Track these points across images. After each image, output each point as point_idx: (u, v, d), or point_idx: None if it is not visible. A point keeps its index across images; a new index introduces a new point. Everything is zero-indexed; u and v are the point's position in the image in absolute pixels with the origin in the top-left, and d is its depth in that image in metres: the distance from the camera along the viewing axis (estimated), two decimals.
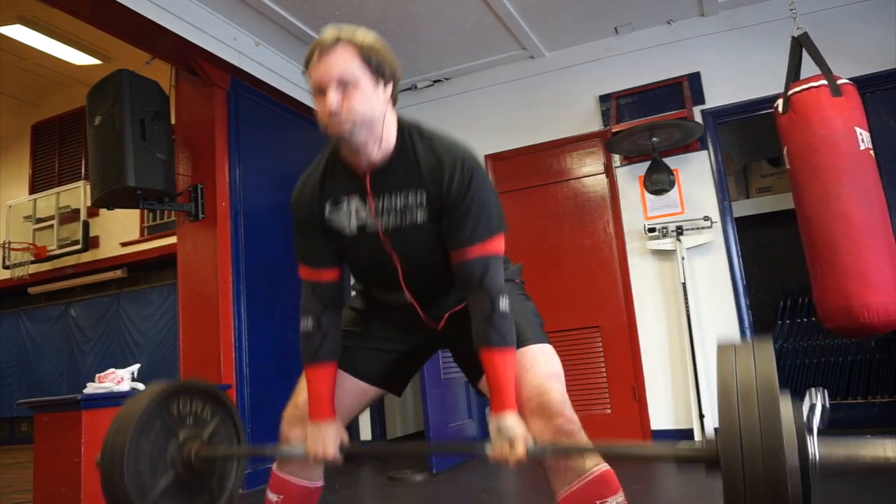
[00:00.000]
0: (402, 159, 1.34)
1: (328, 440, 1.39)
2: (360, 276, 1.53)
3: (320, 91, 1.28)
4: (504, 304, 1.30)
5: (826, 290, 2.78)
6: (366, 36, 1.30)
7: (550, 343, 1.43)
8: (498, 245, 1.34)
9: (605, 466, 1.30)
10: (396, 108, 1.38)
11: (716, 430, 3.40)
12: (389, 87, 1.32)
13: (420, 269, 1.39)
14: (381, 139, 1.31)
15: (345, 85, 1.26)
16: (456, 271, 1.34)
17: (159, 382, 1.55)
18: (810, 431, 1.06)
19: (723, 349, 1.09)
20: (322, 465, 1.48)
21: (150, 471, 1.44)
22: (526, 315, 1.44)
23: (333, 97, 1.25)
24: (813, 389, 1.13)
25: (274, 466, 1.54)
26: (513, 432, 1.25)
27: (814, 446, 1.04)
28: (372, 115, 1.28)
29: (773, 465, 0.95)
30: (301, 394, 1.50)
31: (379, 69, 1.29)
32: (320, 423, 1.41)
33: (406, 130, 1.36)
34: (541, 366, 1.34)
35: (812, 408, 1.10)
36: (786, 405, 1.03)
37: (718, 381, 1.05)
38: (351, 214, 1.37)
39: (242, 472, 1.67)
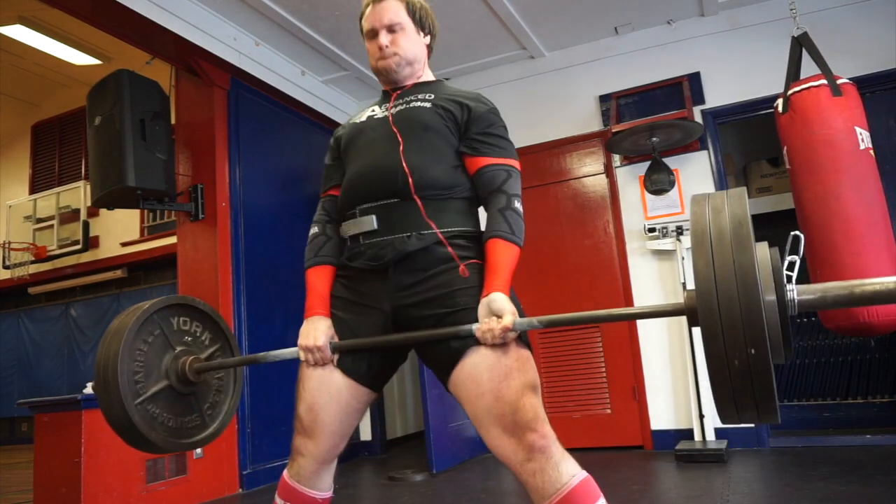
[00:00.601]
0: (428, 85, 1.58)
1: (319, 332, 1.44)
2: (348, 183, 1.52)
3: (373, 34, 1.53)
4: (519, 205, 1.41)
5: None
6: None
7: (530, 348, 1.39)
8: (518, 164, 1.48)
9: (582, 475, 1.28)
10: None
11: (717, 430, 3.41)
12: (429, 38, 1.59)
13: (419, 143, 1.46)
14: (418, 78, 1.58)
15: (393, 29, 1.51)
16: (478, 179, 1.46)
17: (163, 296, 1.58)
18: (789, 279, 1.06)
19: (696, 198, 1.09)
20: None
21: (145, 373, 1.46)
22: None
23: (384, 37, 1.51)
24: (793, 234, 1.13)
25: (285, 473, 1.53)
26: (500, 306, 1.30)
27: (792, 289, 1.05)
28: (414, 55, 1.54)
29: (749, 304, 0.94)
30: (301, 405, 1.47)
31: (422, 22, 1.56)
32: (313, 318, 1.48)
33: (439, 80, 1.63)
34: (516, 377, 1.30)
35: (792, 247, 1.10)
36: (762, 249, 1.04)
37: (691, 227, 1.04)
38: (366, 113, 1.59)
39: (238, 392, 1.68)
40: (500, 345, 1.31)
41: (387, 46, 1.51)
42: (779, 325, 1.01)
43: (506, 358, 1.31)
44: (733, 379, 0.96)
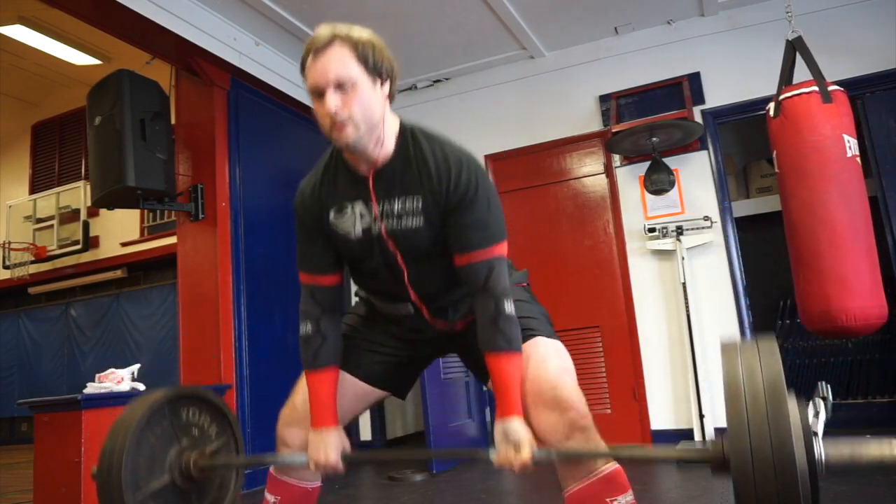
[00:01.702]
0: (403, 161, 1.31)
1: (330, 447, 1.38)
2: (363, 283, 1.51)
3: (318, 94, 1.25)
4: (509, 306, 1.29)
5: (807, 294, 2.85)
6: (361, 33, 1.28)
7: (561, 342, 1.43)
8: (502, 249, 1.33)
9: (615, 465, 1.30)
10: (394, 107, 1.36)
11: (716, 430, 3.43)
12: (387, 86, 1.30)
13: (423, 269, 1.38)
14: (381, 140, 1.30)
15: (342, 87, 1.23)
16: (460, 274, 1.33)
17: (177, 385, 1.55)
18: (815, 432, 1.06)
19: (727, 348, 1.09)
20: (323, 472, 1.47)
21: (148, 468, 1.43)
22: (536, 314, 1.45)
23: (332, 101, 1.22)
24: (820, 385, 1.13)
25: (271, 468, 1.53)
26: (518, 437, 1.24)
27: (819, 446, 1.04)
28: (372, 117, 1.25)
29: (785, 467, 0.94)
30: (298, 395, 1.49)
31: (376, 67, 1.26)
32: (322, 430, 1.39)
33: (407, 131, 1.34)
34: (553, 359, 1.34)
35: (817, 406, 1.10)
36: (792, 404, 1.02)
37: (725, 381, 1.04)
38: (356, 219, 1.35)
39: (239, 490, 1.65)
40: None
41: (337, 112, 1.22)
42: (809, 486, 1.00)
43: (543, 347, 1.36)
44: None
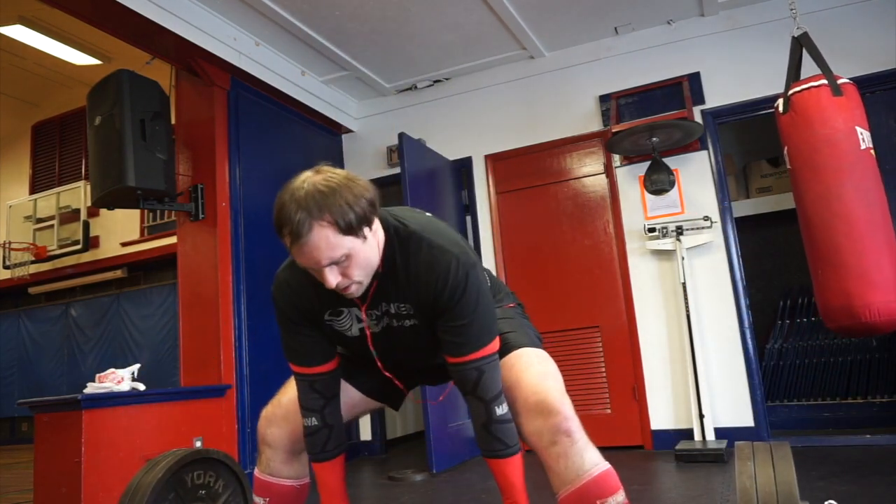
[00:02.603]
0: (391, 272, 1.29)
1: None
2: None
3: (314, 269, 1.21)
4: (500, 410, 1.29)
5: (827, 290, 2.77)
6: (333, 196, 1.16)
7: (545, 351, 1.44)
8: (492, 348, 1.30)
9: (605, 465, 1.30)
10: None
11: (716, 430, 3.39)
12: (374, 224, 1.23)
13: (401, 361, 1.44)
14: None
15: (337, 263, 1.19)
16: (450, 371, 1.33)
17: (177, 451, 1.54)
18: None
19: (741, 451, 1.09)
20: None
21: None
22: (522, 328, 1.45)
23: (331, 278, 1.19)
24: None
25: (255, 472, 1.52)
26: None
27: None
28: (371, 264, 1.24)
29: None
30: (285, 394, 1.49)
31: (360, 226, 1.19)
32: None
33: (393, 237, 1.29)
34: (536, 365, 1.35)
35: None
36: None
37: (738, 489, 1.03)
38: (352, 322, 1.36)
39: None
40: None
41: (340, 285, 1.21)
42: None
43: (525, 356, 1.36)
44: None
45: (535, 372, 1.33)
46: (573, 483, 1.27)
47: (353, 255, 1.19)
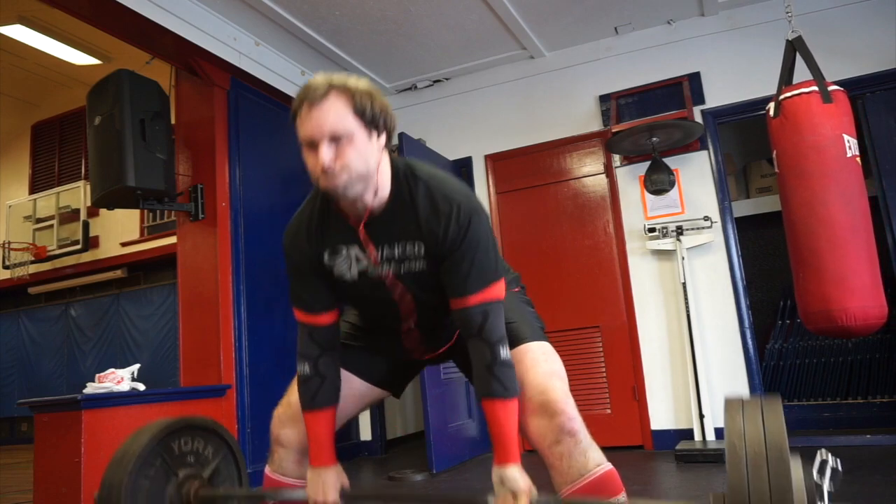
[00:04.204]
0: (398, 208, 1.29)
1: (329, 486, 1.37)
2: (361, 315, 1.55)
3: (311, 145, 1.22)
4: (504, 352, 1.28)
5: (807, 294, 2.85)
6: (359, 83, 1.22)
7: (550, 343, 1.44)
8: (497, 291, 1.30)
9: (608, 466, 1.30)
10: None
11: (717, 430, 3.41)
12: (384, 137, 1.26)
13: (423, 308, 1.40)
14: (375, 190, 1.27)
15: (338, 139, 1.19)
16: (455, 318, 1.32)
17: (162, 420, 1.53)
18: (821, 497, 1.04)
19: (730, 405, 1.08)
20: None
21: None
22: (525, 317, 1.44)
23: (326, 153, 1.19)
24: (823, 450, 1.11)
25: (266, 469, 1.53)
26: (516, 485, 1.23)
27: None
28: (367, 170, 1.22)
29: None
30: (293, 393, 1.49)
31: (373, 120, 1.22)
32: (320, 469, 1.39)
33: (401, 176, 1.30)
34: (541, 364, 1.34)
35: (823, 470, 1.08)
36: (796, 469, 1.01)
37: (727, 442, 1.03)
38: (351, 262, 1.34)
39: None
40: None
41: (330, 165, 1.19)
42: None
43: (531, 352, 1.36)
44: None
45: (540, 371, 1.33)
46: (576, 483, 1.27)
47: (354, 140, 1.19)
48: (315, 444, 1.40)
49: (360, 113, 1.20)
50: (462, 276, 1.27)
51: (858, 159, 2.87)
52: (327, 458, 1.40)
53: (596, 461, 1.29)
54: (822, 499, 1.03)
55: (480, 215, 1.29)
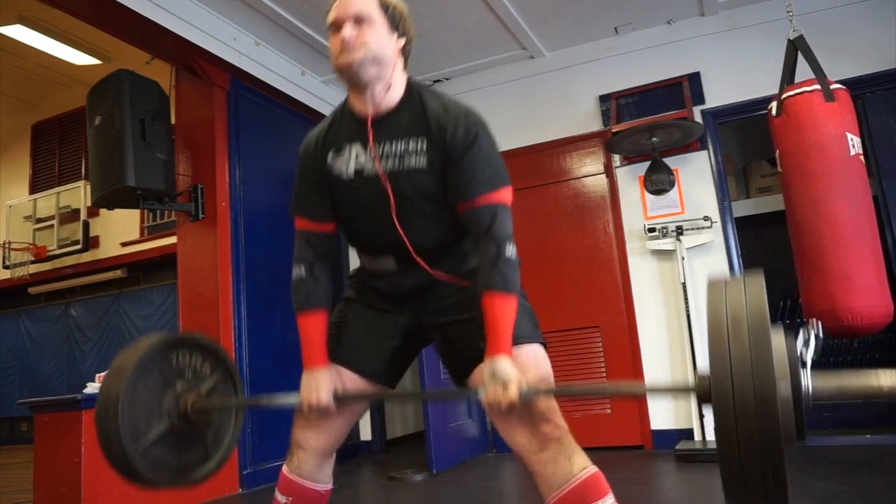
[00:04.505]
0: (408, 108, 1.38)
1: (321, 387, 1.40)
2: (352, 230, 1.50)
3: (336, 27, 1.34)
4: (511, 250, 1.32)
5: (812, 293, 2.84)
6: None
7: (545, 343, 1.43)
8: (506, 195, 1.36)
9: (593, 469, 1.30)
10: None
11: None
12: (402, 41, 1.39)
13: (415, 213, 1.39)
14: (388, 86, 1.36)
15: (360, 21, 1.32)
16: (464, 221, 1.36)
17: (161, 332, 1.56)
18: (804, 364, 1.06)
19: (713, 284, 1.09)
20: (315, 413, 1.45)
21: (146, 417, 1.44)
22: (523, 312, 1.44)
23: (348, 30, 1.32)
24: (811, 321, 1.14)
25: (284, 468, 1.53)
26: (506, 375, 1.26)
27: (807, 377, 1.04)
28: (383, 54, 1.33)
29: (763, 396, 0.94)
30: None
31: (394, 20, 1.36)
32: (313, 371, 1.42)
33: (414, 86, 1.41)
34: (531, 370, 1.33)
35: (806, 341, 1.10)
36: (778, 337, 1.02)
37: (708, 313, 1.05)
38: (350, 159, 1.40)
39: (239, 427, 1.65)
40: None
41: (350, 39, 1.31)
42: (792, 416, 1.00)
43: (523, 357, 1.34)
44: (741, 450, 0.96)
45: (530, 377, 1.32)
46: (563, 488, 1.27)
47: (375, 25, 1.33)
48: (308, 346, 1.44)
49: (383, 7, 1.35)
50: (470, 178, 1.33)
51: (862, 157, 2.85)
52: (320, 360, 1.43)
53: (581, 465, 1.29)
54: (804, 367, 1.05)
55: (488, 129, 1.38)
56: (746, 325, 0.99)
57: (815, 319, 1.13)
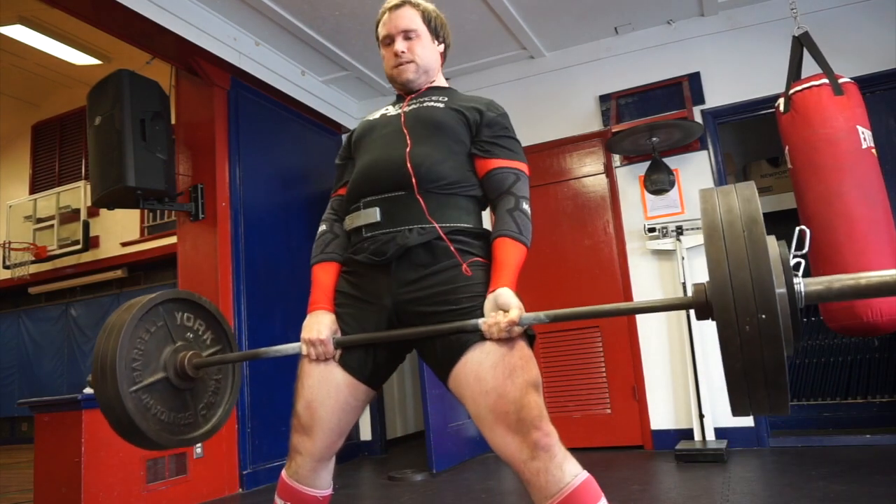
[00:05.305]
0: (442, 90, 1.61)
1: (322, 325, 1.43)
2: (357, 178, 1.51)
3: (389, 40, 1.56)
4: (527, 207, 1.44)
5: None
6: (427, 4, 1.61)
7: (534, 336, 1.41)
8: (526, 167, 1.51)
9: (584, 475, 1.28)
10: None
11: (716, 430, 3.40)
12: (442, 47, 1.64)
13: (425, 141, 1.47)
14: (431, 83, 1.61)
15: (409, 36, 1.55)
16: (487, 181, 1.48)
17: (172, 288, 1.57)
18: (796, 267, 1.07)
19: (705, 192, 1.10)
20: (314, 352, 1.44)
21: (143, 363, 1.44)
22: None
23: (400, 44, 1.54)
24: (798, 229, 1.15)
25: (283, 472, 1.53)
26: (507, 301, 1.30)
27: (799, 280, 1.06)
28: (430, 64, 1.58)
29: (766, 302, 0.95)
30: (299, 400, 1.48)
31: (436, 30, 1.60)
32: (317, 312, 1.47)
33: (451, 87, 1.64)
34: (519, 373, 1.30)
35: (799, 243, 1.12)
36: (771, 242, 1.03)
37: (703, 220, 1.04)
38: (379, 112, 1.62)
39: (232, 403, 1.65)
40: (506, 340, 1.30)
41: (403, 53, 1.53)
42: (788, 315, 1.01)
43: (510, 356, 1.30)
44: (744, 347, 0.96)
45: (518, 382, 1.29)
46: (555, 497, 1.26)
47: (422, 39, 1.57)
48: (317, 289, 1.51)
49: (427, 21, 1.58)
50: (497, 143, 1.49)
51: (874, 151, 2.81)
52: (326, 303, 1.49)
53: (572, 472, 1.27)
54: (796, 270, 1.07)
55: (511, 123, 1.56)
56: (742, 230, 1.00)
57: (803, 227, 1.12)
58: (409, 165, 1.42)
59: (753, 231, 0.99)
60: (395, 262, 1.42)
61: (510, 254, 1.38)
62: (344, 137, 1.64)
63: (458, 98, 1.57)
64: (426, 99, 1.57)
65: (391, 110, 1.59)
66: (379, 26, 1.58)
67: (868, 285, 1.02)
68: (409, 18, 1.55)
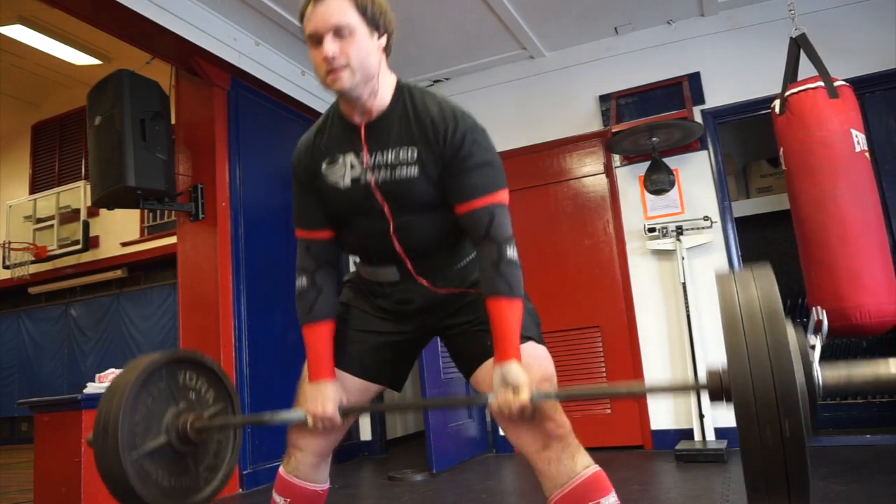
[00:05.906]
0: (398, 114, 1.34)
1: (327, 399, 1.39)
2: (351, 240, 1.49)
3: (315, 40, 1.28)
4: (511, 252, 1.31)
5: (820, 292, 2.80)
6: None
7: (545, 344, 1.43)
8: (502, 196, 1.34)
9: (595, 468, 1.30)
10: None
11: (716, 430, 3.40)
12: (384, 39, 1.33)
13: (412, 222, 1.37)
14: (376, 91, 1.33)
15: (340, 33, 1.26)
16: (463, 224, 1.35)
17: (174, 348, 1.55)
18: (812, 357, 1.06)
19: (723, 278, 1.08)
20: (320, 425, 1.43)
21: (144, 428, 1.42)
22: (525, 313, 1.44)
23: (329, 46, 1.26)
24: (815, 309, 1.14)
25: (281, 469, 1.53)
26: (516, 380, 1.25)
27: (817, 369, 1.04)
28: (369, 66, 1.28)
29: (786, 392, 0.93)
30: (301, 399, 1.49)
31: (374, 19, 1.29)
32: (319, 383, 1.41)
33: (403, 87, 1.37)
34: (534, 370, 1.32)
35: (815, 330, 1.11)
36: (790, 329, 1.02)
37: (722, 308, 1.03)
38: (346, 170, 1.37)
39: (233, 465, 1.63)
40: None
41: (334, 57, 1.26)
42: (808, 409, 1.00)
43: (526, 357, 1.33)
44: (764, 447, 0.95)
45: (533, 376, 1.31)
46: (566, 486, 1.28)
47: (355, 35, 1.27)
48: (314, 358, 1.43)
49: (361, 10, 1.27)
50: (467, 180, 1.31)
51: (867, 154, 2.83)
52: (326, 373, 1.42)
53: (584, 464, 1.30)
54: (813, 359, 1.06)
55: (483, 130, 1.35)
56: (762, 319, 0.99)
57: (819, 308, 1.11)
58: (403, 257, 1.41)
59: (775, 325, 0.97)
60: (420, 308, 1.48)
61: (508, 317, 1.29)
62: (295, 167, 1.50)
63: (417, 120, 1.33)
64: (393, 156, 1.33)
65: (355, 165, 1.36)
66: (304, 21, 1.31)
67: (889, 379, 1.02)
68: (340, 11, 1.26)
